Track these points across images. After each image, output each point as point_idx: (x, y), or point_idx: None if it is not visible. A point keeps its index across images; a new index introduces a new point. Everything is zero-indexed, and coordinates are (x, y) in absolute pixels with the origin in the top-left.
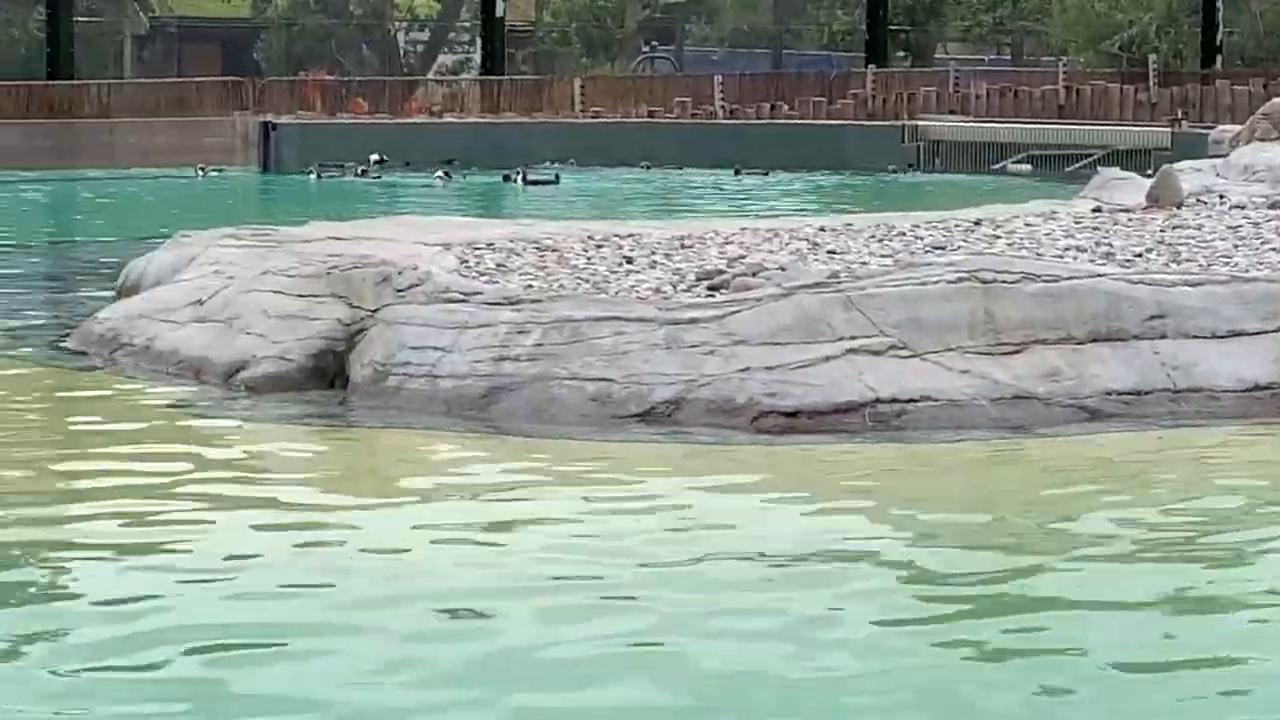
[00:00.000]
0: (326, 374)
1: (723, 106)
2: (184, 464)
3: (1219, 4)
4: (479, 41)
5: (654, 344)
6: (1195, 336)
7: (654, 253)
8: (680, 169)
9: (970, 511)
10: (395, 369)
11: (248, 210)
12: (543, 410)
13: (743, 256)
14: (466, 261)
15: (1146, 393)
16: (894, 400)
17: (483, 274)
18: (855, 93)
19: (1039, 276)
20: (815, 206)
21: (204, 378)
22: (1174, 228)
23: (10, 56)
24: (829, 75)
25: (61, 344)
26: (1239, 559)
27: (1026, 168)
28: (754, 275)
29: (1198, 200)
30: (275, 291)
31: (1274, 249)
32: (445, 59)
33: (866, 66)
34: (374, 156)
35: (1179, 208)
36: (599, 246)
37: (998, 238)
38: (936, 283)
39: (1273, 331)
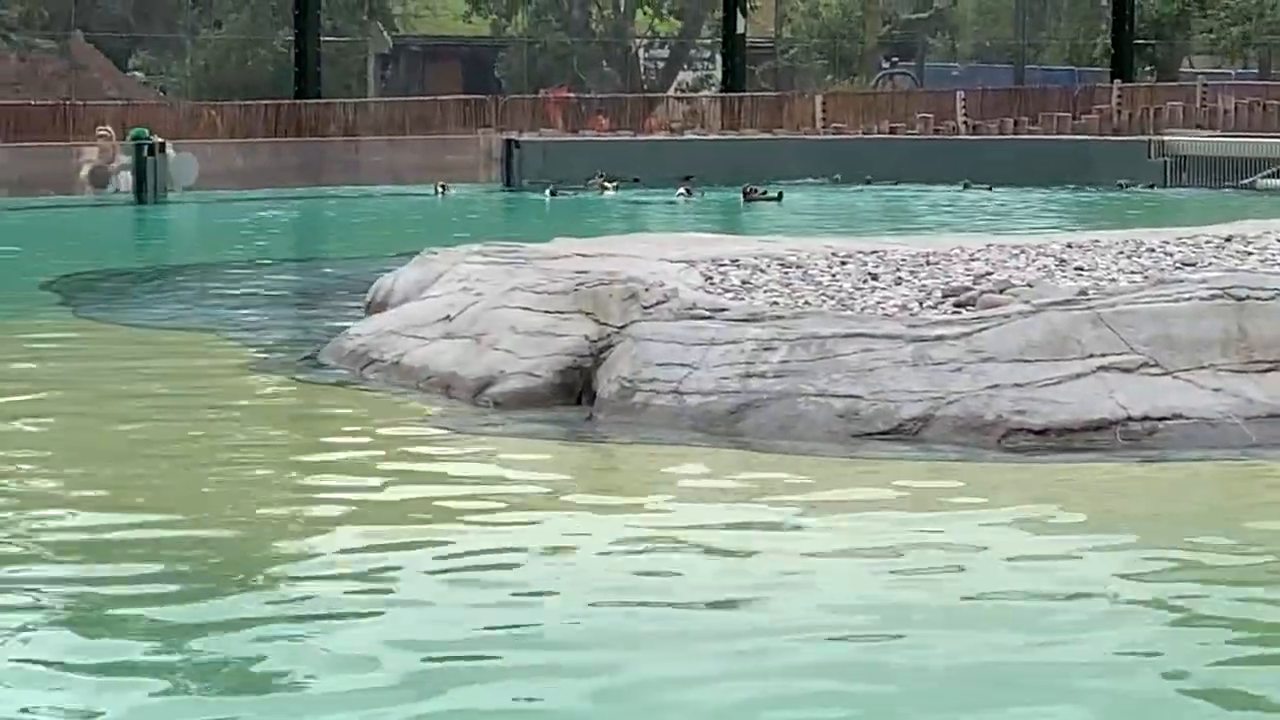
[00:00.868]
0: (573, 390)
1: (965, 122)
2: (438, 479)
3: None
4: (719, 58)
5: (901, 361)
6: None
7: (899, 269)
8: (929, 185)
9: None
10: (642, 385)
11: (490, 227)
12: (789, 427)
13: (989, 273)
14: (711, 278)
15: None
16: (1145, 418)
17: (728, 290)
18: (1100, 107)
19: None
20: (1054, 223)
21: (453, 393)
22: None
23: (258, 77)
24: (1073, 90)
25: (314, 359)
26: None
27: (1278, 183)
28: (1001, 292)
29: None
30: (523, 308)
31: None
32: (685, 75)
33: (1112, 81)
34: (606, 184)
35: None
36: (843, 263)
37: (1250, 254)
38: (1189, 299)
39: None
